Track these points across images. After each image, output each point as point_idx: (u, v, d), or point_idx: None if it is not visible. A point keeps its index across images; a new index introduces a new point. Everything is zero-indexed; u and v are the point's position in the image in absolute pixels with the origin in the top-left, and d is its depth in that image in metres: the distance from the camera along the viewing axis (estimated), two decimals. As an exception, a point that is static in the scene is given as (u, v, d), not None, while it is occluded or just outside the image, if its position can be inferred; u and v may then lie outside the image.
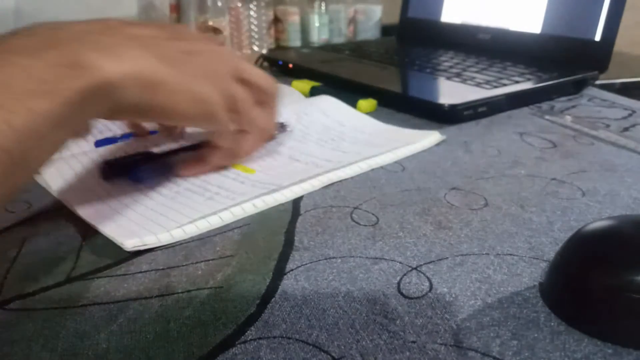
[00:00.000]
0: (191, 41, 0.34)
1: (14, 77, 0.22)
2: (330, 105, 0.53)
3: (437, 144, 0.45)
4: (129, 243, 0.30)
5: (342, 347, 0.22)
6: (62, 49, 0.25)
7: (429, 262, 0.28)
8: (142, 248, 0.30)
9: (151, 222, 0.32)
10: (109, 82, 0.26)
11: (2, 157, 0.21)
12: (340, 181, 0.38)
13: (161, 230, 0.31)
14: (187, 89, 0.31)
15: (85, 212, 0.33)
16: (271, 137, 0.44)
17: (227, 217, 0.33)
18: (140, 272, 0.28)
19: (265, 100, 0.39)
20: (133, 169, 0.38)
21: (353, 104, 0.53)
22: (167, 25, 0.35)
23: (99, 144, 0.43)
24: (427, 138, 0.46)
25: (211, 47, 0.36)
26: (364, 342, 0.23)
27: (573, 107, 0.56)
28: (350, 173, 0.39)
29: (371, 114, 0.52)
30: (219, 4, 0.92)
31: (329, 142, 0.45)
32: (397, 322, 0.24)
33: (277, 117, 0.41)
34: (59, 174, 0.39)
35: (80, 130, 0.30)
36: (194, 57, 0.33)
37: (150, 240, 0.30)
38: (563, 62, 0.64)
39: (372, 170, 0.40)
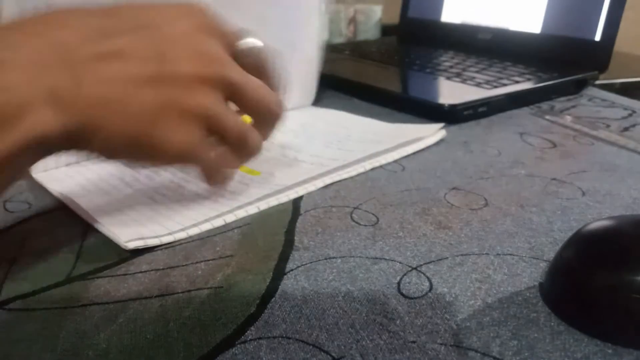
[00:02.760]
0: (168, 55, 0.27)
1: None
2: (335, 114, 0.53)
3: (437, 144, 0.45)
4: (131, 243, 0.30)
5: (342, 347, 0.22)
6: None
7: (429, 262, 0.28)
8: (142, 247, 0.30)
9: (154, 223, 0.32)
10: (43, 139, 0.23)
11: None
12: (341, 181, 0.38)
13: (164, 231, 0.31)
14: (150, 139, 0.26)
15: (85, 211, 0.33)
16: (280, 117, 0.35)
17: (231, 219, 0.33)
18: (140, 272, 0.28)
19: (261, 124, 0.33)
20: None
21: (353, 104, 0.53)
22: (139, 21, 0.27)
23: None
24: (433, 132, 0.45)
25: (199, 63, 0.28)
26: (364, 342, 0.23)
27: (573, 107, 0.56)
28: (358, 171, 0.39)
29: (372, 115, 0.52)
30: (219, 4, 0.92)
31: (334, 143, 0.45)
32: (397, 322, 0.24)
33: (278, 93, 0.34)
34: (59, 175, 0.39)
35: (23, 172, 0.27)
36: (167, 86, 0.26)
37: (153, 241, 0.30)
38: (563, 62, 0.64)
39: (373, 170, 0.40)
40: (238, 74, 0.30)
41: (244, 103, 0.31)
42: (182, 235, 0.31)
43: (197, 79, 0.27)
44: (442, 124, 0.47)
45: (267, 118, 0.32)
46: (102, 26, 0.26)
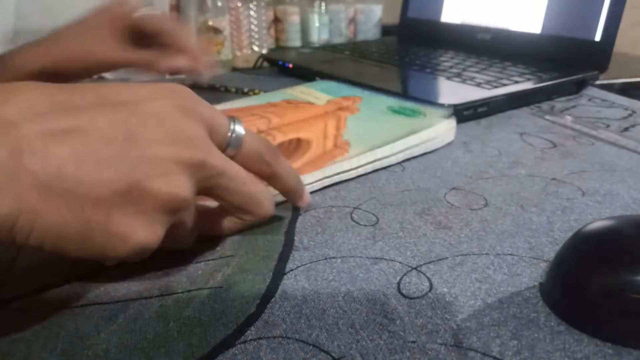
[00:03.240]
0: (137, 135, 0.22)
1: None
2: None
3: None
4: None
5: (342, 347, 0.22)
6: None
7: (429, 262, 0.28)
8: None
9: None
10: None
11: None
12: (340, 181, 0.38)
13: None
14: (103, 233, 0.22)
15: None
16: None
17: None
18: (140, 272, 0.28)
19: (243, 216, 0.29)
20: None
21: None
22: (107, 97, 0.23)
23: None
24: (443, 127, 0.45)
25: (173, 147, 0.23)
26: (364, 342, 0.23)
27: (573, 107, 0.56)
28: (359, 172, 0.39)
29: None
30: (219, 4, 0.92)
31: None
32: (397, 322, 0.24)
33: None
34: None
35: None
36: (132, 170, 0.22)
37: None
38: (563, 62, 0.64)
39: (373, 170, 0.40)
40: (221, 161, 0.25)
41: (225, 196, 0.27)
42: None
43: (171, 162, 0.23)
44: (453, 121, 0.46)
45: (248, 217, 0.29)
46: (59, 102, 0.22)
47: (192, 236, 0.28)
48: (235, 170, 0.26)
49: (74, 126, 0.21)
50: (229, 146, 0.27)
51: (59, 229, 0.21)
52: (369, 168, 0.39)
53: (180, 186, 0.23)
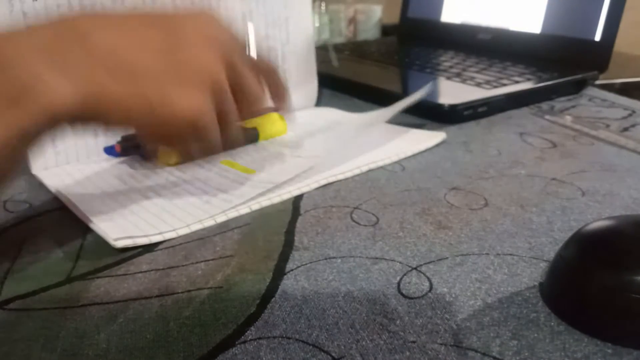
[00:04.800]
0: (181, 46, 0.29)
1: None
2: (336, 113, 0.54)
3: (437, 144, 0.45)
4: (120, 242, 0.30)
5: (342, 347, 0.22)
6: (10, 71, 0.23)
7: (429, 262, 0.28)
8: (130, 246, 0.30)
9: (146, 222, 0.32)
10: (58, 112, 0.24)
11: None
12: (340, 181, 0.38)
13: (154, 230, 0.31)
14: (159, 100, 0.27)
15: (79, 209, 0.33)
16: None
17: (222, 219, 0.33)
18: (140, 272, 0.28)
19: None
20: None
21: (353, 104, 0.53)
22: (154, 21, 0.29)
23: (107, 151, 0.42)
24: (433, 139, 0.45)
25: (197, 38, 0.30)
26: (364, 342, 0.23)
27: (573, 107, 0.56)
28: (354, 172, 0.39)
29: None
30: (219, 4, 0.92)
31: (332, 139, 0.45)
32: (397, 322, 0.24)
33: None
34: (60, 173, 0.39)
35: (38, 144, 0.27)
36: (176, 54, 0.28)
37: (142, 240, 0.30)
38: (563, 62, 0.64)
39: (372, 170, 0.40)
40: (242, 60, 0.32)
41: (244, 83, 0.32)
42: (171, 235, 0.31)
43: (206, 51, 0.29)
44: (443, 134, 0.46)
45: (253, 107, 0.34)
46: (121, 22, 0.28)
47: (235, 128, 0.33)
48: (247, 69, 0.32)
49: (132, 36, 0.27)
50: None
51: (124, 100, 0.26)
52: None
53: (214, 67, 0.29)
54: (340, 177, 0.39)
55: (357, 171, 0.40)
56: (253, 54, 0.35)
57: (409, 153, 0.43)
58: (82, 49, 0.25)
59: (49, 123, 0.24)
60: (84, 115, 0.25)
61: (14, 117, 0.22)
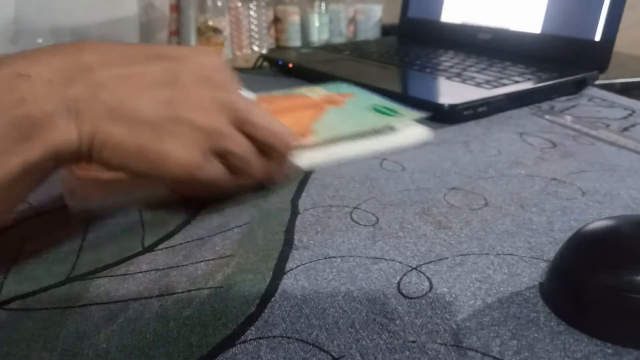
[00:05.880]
0: (181, 79, 0.29)
1: None
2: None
3: (437, 144, 0.45)
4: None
5: (342, 347, 0.22)
6: (25, 107, 0.24)
7: (429, 262, 0.28)
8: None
9: None
10: (62, 146, 0.25)
11: None
12: (339, 180, 0.38)
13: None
14: (156, 151, 0.27)
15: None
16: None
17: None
18: (140, 272, 0.28)
19: (272, 155, 0.33)
20: None
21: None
22: (158, 53, 0.30)
23: None
24: (414, 130, 0.47)
25: (208, 88, 0.30)
26: (364, 342, 0.23)
27: (573, 107, 0.56)
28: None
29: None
30: (219, 3, 0.93)
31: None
32: (397, 322, 0.24)
33: (286, 170, 0.36)
34: None
35: (42, 181, 0.28)
36: (178, 105, 0.28)
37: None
38: (563, 62, 0.64)
39: (372, 169, 0.40)
40: (247, 102, 0.32)
41: (255, 132, 0.32)
42: None
43: (207, 100, 0.30)
44: (424, 128, 0.48)
45: (275, 148, 0.33)
46: (123, 53, 0.29)
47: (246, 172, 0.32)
48: (259, 109, 0.32)
49: (135, 72, 0.28)
50: None
51: (123, 146, 0.27)
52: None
53: (213, 117, 0.29)
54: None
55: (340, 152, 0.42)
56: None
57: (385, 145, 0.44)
58: (86, 86, 0.26)
59: (53, 160, 0.25)
60: (80, 155, 0.26)
61: (23, 149, 0.24)
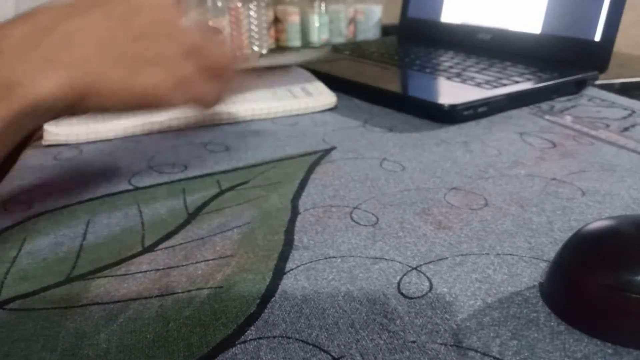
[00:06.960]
0: (142, 21, 0.31)
1: None
2: None
3: (437, 144, 0.45)
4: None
5: (342, 347, 0.22)
6: None
7: (429, 262, 0.28)
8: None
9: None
10: (40, 101, 0.26)
11: None
12: (339, 180, 0.38)
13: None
14: (127, 87, 0.29)
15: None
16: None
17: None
18: (140, 272, 0.28)
19: (219, 74, 0.36)
20: None
21: (353, 104, 0.54)
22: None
23: None
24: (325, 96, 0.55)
25: (164, 24, 0.32)
26: (364, 342, 0.23)
27: (573, 107, 0.56)
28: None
29: (372, 114, 0.52)
30: (219, 4, 0.92)
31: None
32: (397, 322, 0.24)
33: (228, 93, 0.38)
34: None
35: (29, 133, 0.29)
36: (142, 42, 0.30)
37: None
38: (563, 62, 0.64)
39: (371, 169, 0.40)
40: (198, 31, 0.34)
41: (205, 56, 0.34)
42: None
43: (167, 28, 0.31)
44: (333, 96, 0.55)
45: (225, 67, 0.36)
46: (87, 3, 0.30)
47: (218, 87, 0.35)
48: (208, 34, 0.35)
49: (137, 35, 0.30)
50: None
51: (107, 88, 0.28)
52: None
53: (183, 36, 0.32)
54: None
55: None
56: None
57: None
58: (65, 38, 0.27)
59: (30, 115, 0.26)
60: (69, 107, 0.27)
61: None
